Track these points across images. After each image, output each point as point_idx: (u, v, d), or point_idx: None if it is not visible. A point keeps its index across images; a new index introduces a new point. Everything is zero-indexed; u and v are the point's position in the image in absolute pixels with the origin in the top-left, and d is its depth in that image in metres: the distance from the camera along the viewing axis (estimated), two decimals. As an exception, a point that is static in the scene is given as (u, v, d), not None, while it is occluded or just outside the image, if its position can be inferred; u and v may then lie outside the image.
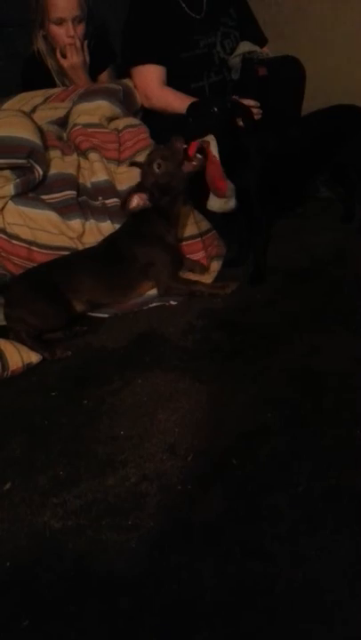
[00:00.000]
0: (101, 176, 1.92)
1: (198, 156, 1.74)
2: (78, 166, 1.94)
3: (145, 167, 1.77)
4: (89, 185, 1.90)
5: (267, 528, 1.07)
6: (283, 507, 1.10)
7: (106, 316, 1.82)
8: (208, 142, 1.77)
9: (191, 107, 2.00)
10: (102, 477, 1.22)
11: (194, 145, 1.72)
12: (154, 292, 1.84)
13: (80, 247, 1.87)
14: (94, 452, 1.29)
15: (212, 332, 1.68)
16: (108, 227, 1.89)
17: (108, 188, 1.91)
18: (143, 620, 0.95)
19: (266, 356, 1.54)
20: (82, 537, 1.10)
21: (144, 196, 1.74)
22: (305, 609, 0.94)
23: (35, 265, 1.82)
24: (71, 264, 1.79)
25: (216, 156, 1.78)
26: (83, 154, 1.96)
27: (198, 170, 1.77)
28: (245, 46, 2.13)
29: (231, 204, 1.88)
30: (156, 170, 1.73)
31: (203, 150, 1.75)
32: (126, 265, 1.79)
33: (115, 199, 1.91)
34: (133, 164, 1.87)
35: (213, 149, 1.78)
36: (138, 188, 1.77)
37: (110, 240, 1.85)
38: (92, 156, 1.95)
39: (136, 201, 1.74)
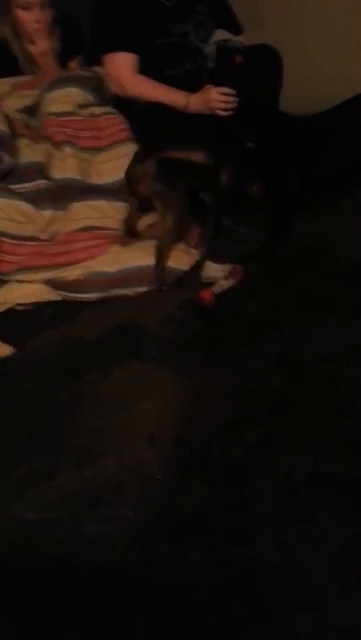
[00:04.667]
0: (70, 173, 1.88)
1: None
2: (48, 154, 1.90)
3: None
4: (57, 178, 1.86)
5: (250, 515, 1.05)
6: (266, 493, 1.09)
7: (91, 295, 1.77)
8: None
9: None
10: (81, 469, 1.19)
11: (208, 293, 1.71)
12: (140, 262, 1.79)
13: (44, 237, 1.82)
14: (72, 444, 1.26)
15: (192, 322, 1.65)
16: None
17: (75, 188, 1.87)
18: (125, 611, 0.93)
19: (248, 345, 1.52)
20: (61, 529, 1.07)
21: None
22: (291, 595, 0.92)
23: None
24: None
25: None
26: (57, 146, 1.92)
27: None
28: (220, 34, 2.11)
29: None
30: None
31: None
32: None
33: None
34: None
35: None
36: None
37: None
38: (67, 150, 1.91)
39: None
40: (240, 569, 0.96)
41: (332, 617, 0.89)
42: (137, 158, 1.85)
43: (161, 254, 1.79)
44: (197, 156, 1.87)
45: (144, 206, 1.86)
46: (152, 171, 1.78)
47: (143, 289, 1.79)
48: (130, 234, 1.86)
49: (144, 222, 1.91)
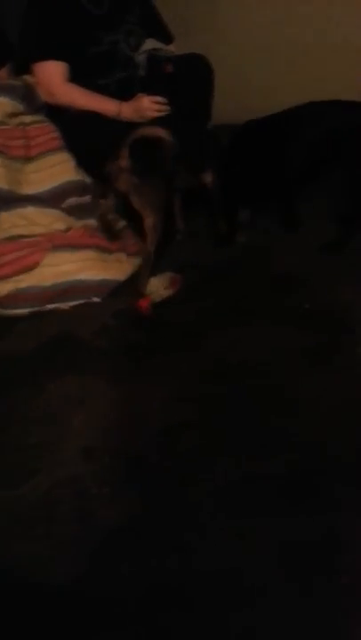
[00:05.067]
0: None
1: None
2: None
3: None
4: None
5: (186, 521, 1.05)
6: (201, 498, 1.09)
7: (23, 310, 1.71)
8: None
9: None
10: (13, 488, 1.14)
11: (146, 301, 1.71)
12: (77, 275, 1.75)
13: None
14: (4, 463, 1.21)
15: (127, 332, 1.64)
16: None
17: (3, 199, 1.82)
18: (57, 628, 0.90)
19: (183, 352, 1.53)
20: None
21: None
22: (226, 597, 0.92)
23: None
24: None
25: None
26: None
27: None
28: (151, 43, 2.11)
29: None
30: None
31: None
32: None
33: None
34: None
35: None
36: None
37: None
38: None
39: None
40: (173, 577, 0.95)
41: (269, 616, 0.89)
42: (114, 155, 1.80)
43: (149, 255, 1.76)
44: (162, 132, 1.85)
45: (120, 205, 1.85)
46: (127, 165, 1.75)
47: (79, 302, 1.76)
48: (110, 235, 1.85)
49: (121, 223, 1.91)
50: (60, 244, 1.77)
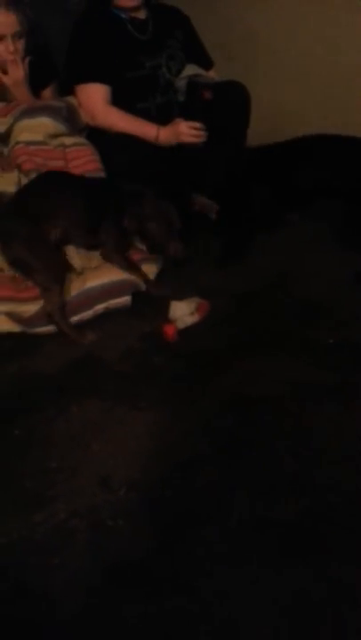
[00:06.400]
0: None
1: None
2: (18, 183, 1.89)
3: None
4: None
5: (195, 563, 1.05)
6: (213, 540, 1.09)
7: (46, 328, 1.74)
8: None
9: None
10: (29, 514, 1.17)
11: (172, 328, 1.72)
12: (98, 281, 1.80)
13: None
14: (22, 487, 1.24)
15: (153, 357, 1.65)
16: None
17: None
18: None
19: (205, 381, 1.53)
20: (4, 579, 1.05)
21: None
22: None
23: None
24: None
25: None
26: (26, 174, 1.92)
27: None
28: (191, 69, 2.14)
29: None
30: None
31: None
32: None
33: None
34: None
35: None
36: None
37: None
38: None
39: None
40: (176, 622, 0.96)
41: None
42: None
43: (58, 322, 1.74)
44: None
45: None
46: (21, 231, 1.73)
47: (103, 307, 1.79)
48: None
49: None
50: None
